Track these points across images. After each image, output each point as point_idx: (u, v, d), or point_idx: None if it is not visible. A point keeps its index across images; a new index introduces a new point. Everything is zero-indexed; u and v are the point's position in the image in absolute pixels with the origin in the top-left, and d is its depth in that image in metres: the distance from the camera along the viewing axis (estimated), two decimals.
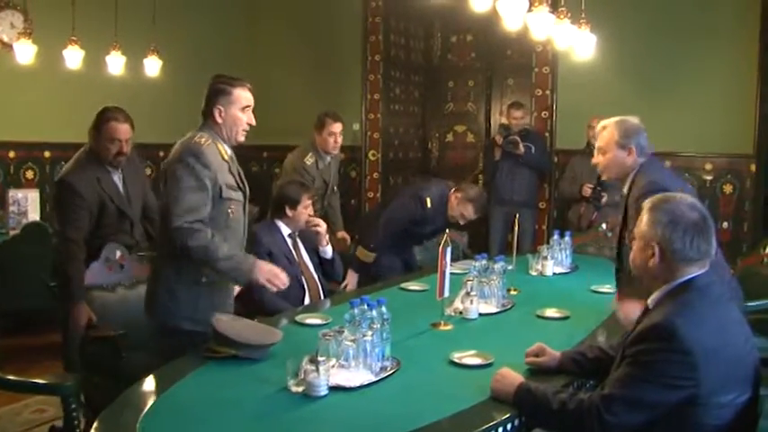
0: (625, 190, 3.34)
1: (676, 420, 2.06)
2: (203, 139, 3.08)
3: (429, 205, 4.79)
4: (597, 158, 3.42)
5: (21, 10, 6.26)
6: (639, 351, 2.08)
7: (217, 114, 3.13)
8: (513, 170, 6.63)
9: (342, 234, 5.49)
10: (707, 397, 2.03)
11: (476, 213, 4.82)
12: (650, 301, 2.25)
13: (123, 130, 3.96)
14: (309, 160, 5.13)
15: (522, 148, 6.51)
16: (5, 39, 6.31)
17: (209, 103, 3.16)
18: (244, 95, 3.18)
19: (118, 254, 3.66)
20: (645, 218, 2.19)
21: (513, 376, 2.32)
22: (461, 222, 4.84)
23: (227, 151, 3.16)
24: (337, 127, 5.27)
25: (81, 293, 3.56)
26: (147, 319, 3.17)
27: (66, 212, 3.74)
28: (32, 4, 6.02)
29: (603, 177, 3.63)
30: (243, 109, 3.17)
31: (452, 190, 4.85)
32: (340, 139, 5.34)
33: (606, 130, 3.40)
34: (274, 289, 3.14)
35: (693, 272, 2.15)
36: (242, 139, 3.22)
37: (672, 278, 2.16)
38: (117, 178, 3.99)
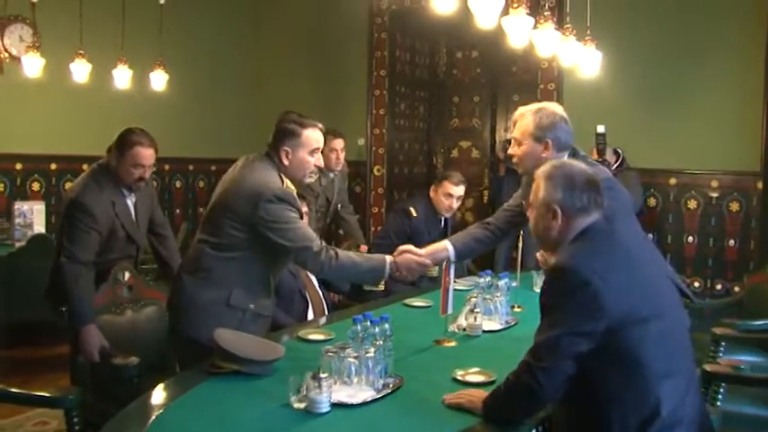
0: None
1: (605, 357, 2.10)
2: (285, 185, 3.06)
3: (415, 214, 4.79)
4: (513, 149, 3.22)
5: (30, 23, 6.30)
6: (545, 298, 2.20)
7: (284, 156, 3.08)
8: (517, 186, 6.55)
9: (363, 248, 5.48)
10: (621, 325, 2.08)
11: (457, 185, 4.79)
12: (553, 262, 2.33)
13: (148, 155, 3.79)
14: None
15: None
16: (14, 52, 6.37)
17: (275, 141, 3.10)
18: (313, 137, 3.12)
19: (127, 275, 3.65)
20: (542, 185, 2.34)
21: (480, 393, 2.35)
22: (455, 207, 4.81)
23: (289, 184, 3.14)
24: (338, 143, 5.27)
25: (91, 316, 3.43)
26: (173, 338, 3.17)
27: (77, 233, 3.55)
28: (41, 18, 6.06)
29: (519, 171, 3.35)
30: (311, 152, 3.12)
31: (430, 190, 4.84)
32: (342, 156, 5.32)
33: (523, 118, 3.14)
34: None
35: (590, 221, 2.28)
36: (308, 180, 3.23)
37: (571, 232, 2.29)
38: (130, 202, 3.86)
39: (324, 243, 3.04)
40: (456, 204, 4.85)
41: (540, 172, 2.37)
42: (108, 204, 3.70)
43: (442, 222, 4.90)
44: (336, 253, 3.01)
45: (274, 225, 2.95)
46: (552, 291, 2.17)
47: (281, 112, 3.20)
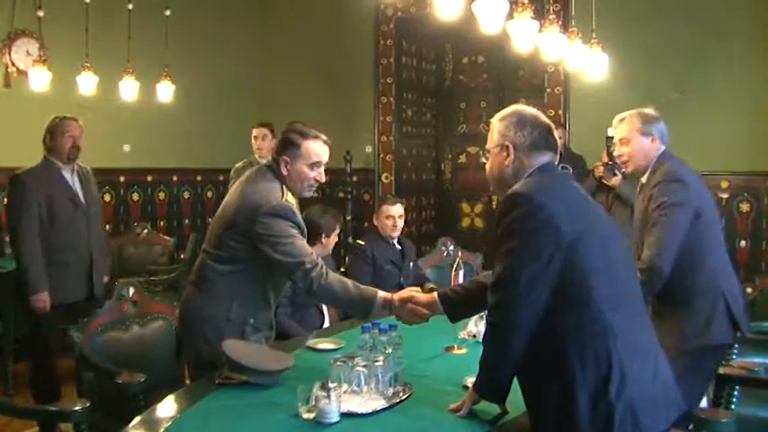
0: (643, 179, 3.36)
1: (560, 288, 2.11)
2: (288, 195, 3.04)
3: (363, 242, 4.86)
4: (620, 150, 3.42)
5: (36, 37, 6.33)
6: (501, 227, 2.20)
7: (282, 166, 3.04)
8: None
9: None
10: (568, 248, 2.10)
11: (393, 205, 4.86)
12: None
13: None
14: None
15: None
16: (21, 66, 6.40)
17: (276, 151, 3.10)
18: (314, 150, 3.07)
19: (131, 291, 3.65)
20: (493, 129, 2.42)
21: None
22: (399, 226, 4.84)
23: (291, 197, 3.10)
24: (254, 131, 5.76)
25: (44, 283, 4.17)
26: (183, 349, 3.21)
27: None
28: (47, 32, 6.08)
29: (628, 170, 3.55)
30: (311, 165, 3.07)
31: (373, 221, 4.95)
32: (262, 145, 5.72)
33: (625, 120, 3.42)
34: None
35: (544, 160, 2.34)
36: (308, 194, 3.17)
37: (525, 170, 2.33)
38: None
39: (320, 260, 2.97)
40: (400, 223, 4.87)
41: (495, 118, 2.45)
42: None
43: (397, 245, 4.93)
44: (328, 273, 2.94)
45: (269, 238, 2.91)
46: (508, 218, 2.18)
47: (288, 121, 3.19)
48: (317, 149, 3.08)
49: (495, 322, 2.21)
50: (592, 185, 6.12)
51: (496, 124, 2.42)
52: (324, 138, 3.13)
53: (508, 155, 2.35)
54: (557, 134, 6.93)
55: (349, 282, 2.97)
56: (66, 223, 4.38)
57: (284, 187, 3.05)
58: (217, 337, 2.91)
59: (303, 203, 3.40)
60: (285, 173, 3.05)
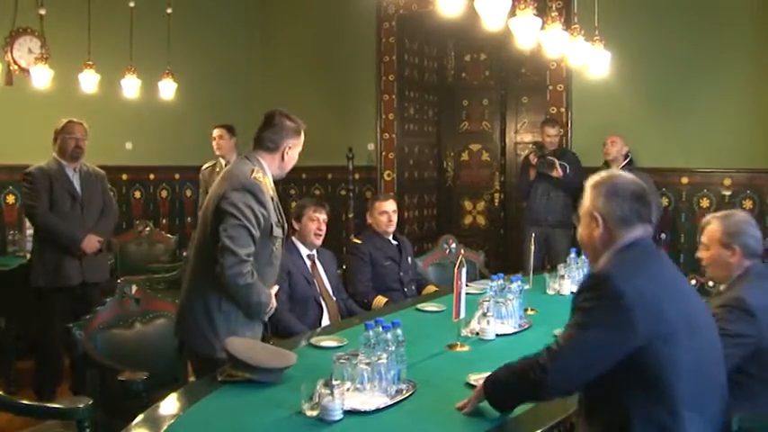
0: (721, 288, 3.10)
1: (632, 375, 2.06)
2: (260, 175, 3.08)
3: (360, 241, 4.84)
4: (701, 253, 3.13)
5: (38, 36, 6.32)
6: (577, 302, 2.16)
7: (285, 152, 3.17)
8: (548, 190, 6.43)
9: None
10: (648, 342, 2.03)
11: (386, 201, 4.87)
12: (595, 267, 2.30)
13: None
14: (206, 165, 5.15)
15: (559, 170, 6.31)
16: (23, 64, 6.39)
17: (275, 137, 3.16)
18: (303, 138, 3.26)
19: (134, 288, 3.65)
20: (586, 195, 2.31)
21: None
22: (393, 220, 4.83)
23: (271, 186, 3.17)
24: (214, 132, 6.16)
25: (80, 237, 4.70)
26: (179, 343, 3.22)
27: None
28: (49, 30, 6.08)
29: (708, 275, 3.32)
30: (298, 151, 3.26)
31: (367, 219, 4.96)
32: (221, 144, 6.18)
33: (711, 224, 3.07)
34: None
35: (634, 235, 2.23)
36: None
37: (613, 244, 2.24)
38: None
39: (252, 267, 3.01)
40: (394, 218, 4.87)
41: (589, 182, 2.34)
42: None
43: (395, 242, 4.92)
44: (255, 276, 3.01)
45: (228, 216, 2.97)
46: (586, 296, 2.13)
47: (271, 110, 3.24)
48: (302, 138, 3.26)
49: (537, 379, 2.14)
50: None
51: (589, 190, 2.31)
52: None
53: (597, 226, 2.26)
54: (552, 132, 6.96)
55: (265, 293, 3.08)
56: (63, 214, 4.76)
57: (261, 170, 3.11)
58: (212, 330, 3.01)
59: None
60: (285, 158, 3.19)
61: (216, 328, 3.02)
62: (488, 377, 2.33)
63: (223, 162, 6.17)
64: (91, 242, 4.78)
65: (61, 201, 4.77)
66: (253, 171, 3.07)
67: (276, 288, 3.25)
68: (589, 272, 2.26)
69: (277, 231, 3.14)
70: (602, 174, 2.34)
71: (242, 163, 3.15)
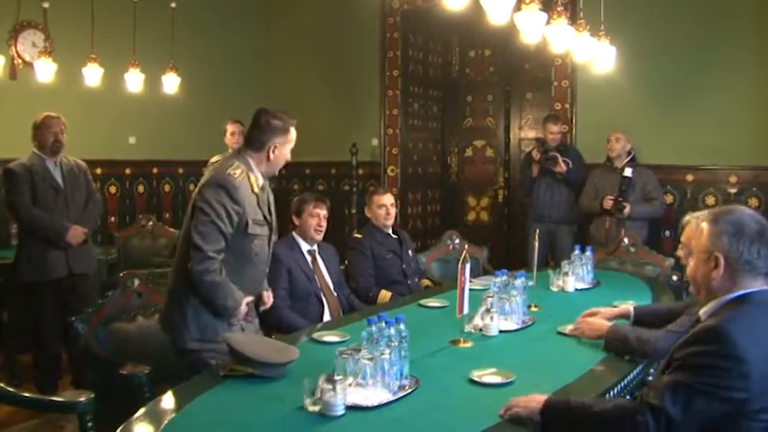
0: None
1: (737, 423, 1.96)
2: (238, 171, 3.09)
3: (361, 235, 4.85)
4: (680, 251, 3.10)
5: (42, 29, 6.32)
6: (689, 354, 2.00)
7: (270, 150, 3.17)
8: (551, 186, 6.42)
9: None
10: (757, 411, 1.94)
11: (383, 194, 4.91)
12: (702, 312, 2.18)
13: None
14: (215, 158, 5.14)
15: (562, 165, 6.30)
16: (27, 57, 6.38)
17: (262, 137, 3.17)
18: (293, 135, 3.24)
19: (136, 282, 3.65)
20: (706, 229, 2.13)
21: (535, 398, 2.24)
22: (392, 214, 4.85)
23: (258, 183, 3.18)
24: (231, 127, 6.35)
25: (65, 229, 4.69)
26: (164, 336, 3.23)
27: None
28: (53, 23, 6.07)
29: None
30: (290, 148, 3.25)
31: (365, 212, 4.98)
32: (240, 139, 6.03)
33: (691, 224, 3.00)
34: None
35: (755, 286, 2.08)
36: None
37: (731, 290, 2.10)
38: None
39: (220, 266, 3.04)
40: (393, 211, 4.88)
41: (705, 216, 2.18)
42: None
43: (395, 236, 4.92)
44: (222, 272, 3.03)
45: (199, 212, 3.02)
46: (701, 352, 1.97)
47: (258, 108, 3.25)
48: (295, 134, 3.25)
49: (635, 423, 2.00)
50: (594, 208, 6.11)
51: (706, 225, 2.14)
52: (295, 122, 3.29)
53: (717, 267, 2.09)
54: (555, 128, 6.87)
55: (234, 295, 3.08)
56: (47, 208, 4.77)
57: (244, 167, 3.13)
58: (183, 321, 3.09)
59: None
60: (272, 157, 3.18)
61: (186, 319, 3.09)
62: (553, 403, 2.19)
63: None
64: (76, 233, 4.80)
65: (44, 195, 4.80)
66: (231, 167, 3.09)
67: (251, 298, 3.24)
68: (703, 323, 2.05)
69: (254, 229, 3.16)
70: (723, 209, 2.17)
71: (227, 160, 3.19)
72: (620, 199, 5.91)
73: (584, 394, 2.43)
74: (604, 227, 6.06)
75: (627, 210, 5.90)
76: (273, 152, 3.17)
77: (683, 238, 2.98)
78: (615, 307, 3.50)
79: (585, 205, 6.27)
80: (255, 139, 3.18)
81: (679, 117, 6.41)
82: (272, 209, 3.32)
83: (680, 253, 3.05)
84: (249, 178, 3.13)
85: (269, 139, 3.16)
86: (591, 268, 4.55)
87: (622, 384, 2.68)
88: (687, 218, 3.01)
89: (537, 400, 2.22)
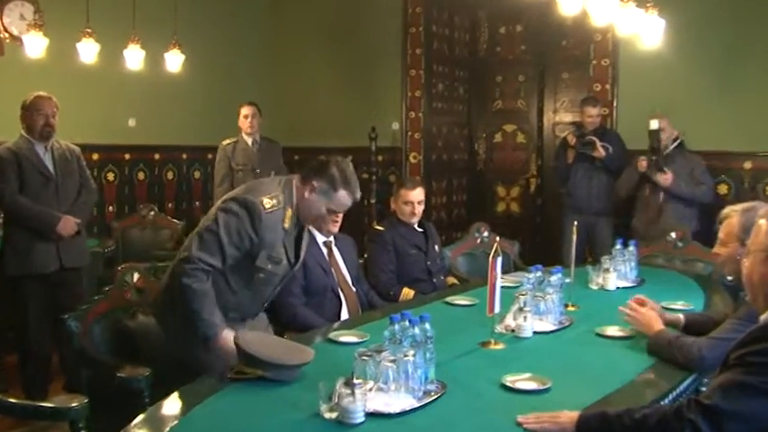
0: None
1: None
2: (273, 203, 3.14)
3: (383, 228, 4.84)
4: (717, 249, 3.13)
5: (31, 0, 6.32)
6: (748, 353, 1.98)
7: (308, 189, 3.20)
8: (589, 174, 6.40)
9: None
10: None
11: (412, 190, 4.83)
12: (762, 318, 2.14)
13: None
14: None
15: (601, 150, 6.26)
16: (15, 31, 6.38)
17: (313, 173, 3.21)
18: (344, 201, 3.26)
19: (136, 277, 3.64)
20: (765, 226, 2.13)
21: (562, 414, 2.22)
22: (417, 212, 4.81)
23: (293, 220, 3.24)
24: (246, 110, 6.54)
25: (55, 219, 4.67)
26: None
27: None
28: None
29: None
30: (330, 210, 3.30)
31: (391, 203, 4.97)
32: (254, 122, 6.52)
33: (730, 218, 3.05)
34: None
35: None
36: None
37: None
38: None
39: (206, 276, 3.07)
40: (419, 209, 4.83)
41: (765, 213, 2.20)
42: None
43: (420, 229, 4.90)
44: (204, 281, 3.06)
45: (218, 215, 3.11)
46: (761, 350, 1.97)
47: (337, 159, 3.26)
48: (346, 202, 3.28)
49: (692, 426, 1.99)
50: (632, 180, 6.04)
51: (765, 222, 2.16)
52: (358, 195, 3.31)
53: None
54: (593, 111, 6.78)
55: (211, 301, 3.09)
56: (36, 196, 4.74)
57: (282, 199, 3.18)
58: (172, 317, 3.17)
59: None
60: (306, 195, 3.20)
61: (175, 313, 3.14)
62: (588, 418, 2.18)
63: (249, 140, 6.55)
64: (67, 224, 4.76)
65: (32, 182, 4.76)
66: (269, 195, 3.14)
67: (233, 334, 3.21)
68: (762, 322, 2.05)
69: (264, 263, 3.22)
70: None
71: (272, 181, 3.29)
72: (654, 158, 5.81)
73: (627, 406, 2.38)
74: (647, 217, 5.96)
75: (668, 176, 5.78)
76: (310, 193, 3.20)
77: (721, 234, 2.95)
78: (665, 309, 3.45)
79: (622, 187, 6.19)
80: (308, 171, 3.22)
81: (735, 98, 6.31)
82: (302, 253, 3.40)
83: (718, 250, 3.02)
84: (285, 213, 3.18)
85: (311, 179, 3.20)
86: (635, 265, 4.51)
87: (672, 396, 2.63)
88: (726, 211, 3.00)
89: (567, 415, 2.20)
